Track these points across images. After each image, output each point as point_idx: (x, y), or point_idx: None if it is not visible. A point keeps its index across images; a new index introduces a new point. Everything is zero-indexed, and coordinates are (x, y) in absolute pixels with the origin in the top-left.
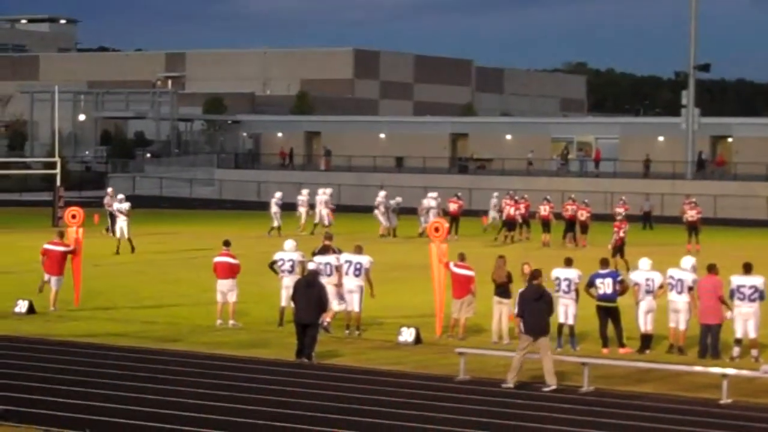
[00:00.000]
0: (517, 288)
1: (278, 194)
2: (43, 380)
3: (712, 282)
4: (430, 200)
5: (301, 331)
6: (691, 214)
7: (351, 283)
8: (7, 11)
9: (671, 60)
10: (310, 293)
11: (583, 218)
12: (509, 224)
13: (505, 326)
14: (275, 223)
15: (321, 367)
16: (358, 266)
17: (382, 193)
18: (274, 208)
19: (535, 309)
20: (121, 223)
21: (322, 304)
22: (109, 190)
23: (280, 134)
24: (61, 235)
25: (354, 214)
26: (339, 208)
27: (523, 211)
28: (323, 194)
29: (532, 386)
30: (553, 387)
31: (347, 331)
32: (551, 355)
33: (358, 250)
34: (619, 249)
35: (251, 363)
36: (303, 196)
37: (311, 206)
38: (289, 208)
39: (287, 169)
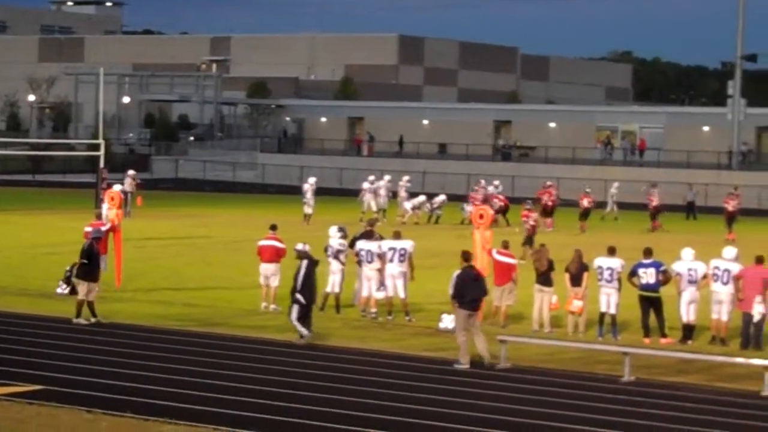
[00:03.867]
0: (559, 276)
1: (312, 179)
2: (84, 361)
3: (758, 272)
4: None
5: (306, 313)
6: (733, 204)
7: (395, 269)
8: None
9: (718, 50)
10: (314, 277)
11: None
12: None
13: (547, 315)
14: (307, 210)
15: (363, 352)
16: (402, 252)
17: (405, 178)
18: (308, 195)
19: (475, 288)
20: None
21: None
22: (131, 172)
23: (323, 119)
24: (99, 216)
25: (394, 200)
26: None
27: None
28: (386, 181)
29: (522, 370)
30: (466, 366)
31: (390, 317)
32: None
33: (398, 235)
34: (529, 238)
35: (292, 347)
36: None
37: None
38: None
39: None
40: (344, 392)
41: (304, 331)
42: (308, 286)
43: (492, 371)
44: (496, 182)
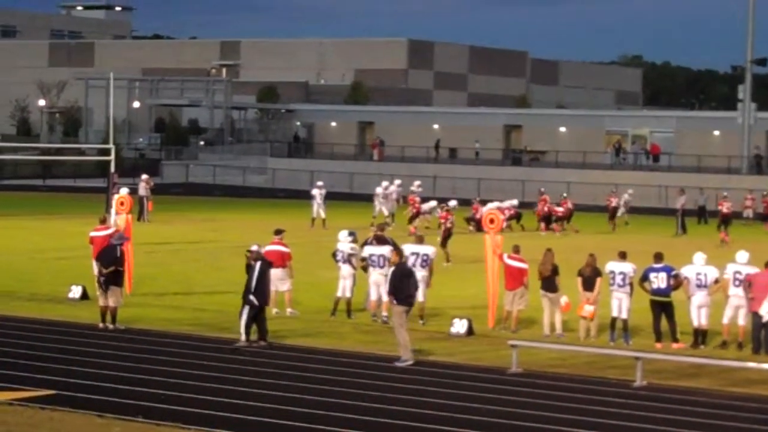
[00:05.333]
0: (565, 281)
1: (319, 183)
2: (96, 366)
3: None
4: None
5: (255, 314)
6: (727, 206)
7: (417, 274)
8: None
9: (728, 54)
10: (268, 278)
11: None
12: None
13: (558, 318)
14: (318, 215)
15: (371, 357)
16: (425, 257)
17: (416, 183)
18: (318, 199)
19: (409, 284)
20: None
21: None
22: (145, 176)
23: (333, 124)
24: (104, 220)
25: (405, 204)
26: None
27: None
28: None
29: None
30: (410, 362)
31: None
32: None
33: (420, 240)
34: (445, 240)
35: (302, 351)
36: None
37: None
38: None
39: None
40: (358, 397)
41: (243, 336)
42: (261, 287)
43: (503, 376)
44: (515, 201)
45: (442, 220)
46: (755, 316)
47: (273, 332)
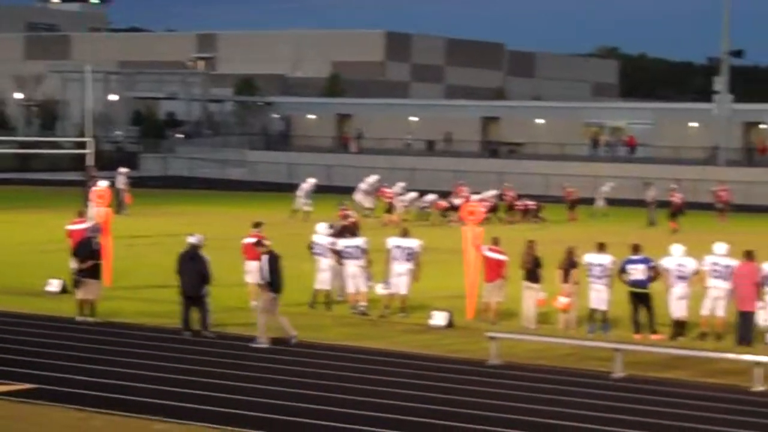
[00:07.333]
0: (547, 272)
1: (312, 180)
2: (76, 359)
3: (750, 268)
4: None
5: (188, 304)
6: (678, 197)
7: (401, 267)
8: None
9: (704, 46)
10: (193, 267)
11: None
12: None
13: (533, 311)
14: (300, 207)
15: (352, 349)
16: (408, 251)
17: (375, 176)
18: (303, 194)
19: (279, 272)
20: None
21: (205, 277)
22: (124, 170)
23: (311, 116)
24: (81, 213)
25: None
26: None
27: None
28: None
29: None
30: (295, 335)
31: (387, 310)
32: None
33: (405, 233)
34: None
35: (282, 344)
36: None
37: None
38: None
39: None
40: (338, 390)
41: (187, 333)
42: (187, 277)
43: (482, 368)
44: (491, 192)
45: (341, 216)
46: (743, 312)
47: (247, 324)
